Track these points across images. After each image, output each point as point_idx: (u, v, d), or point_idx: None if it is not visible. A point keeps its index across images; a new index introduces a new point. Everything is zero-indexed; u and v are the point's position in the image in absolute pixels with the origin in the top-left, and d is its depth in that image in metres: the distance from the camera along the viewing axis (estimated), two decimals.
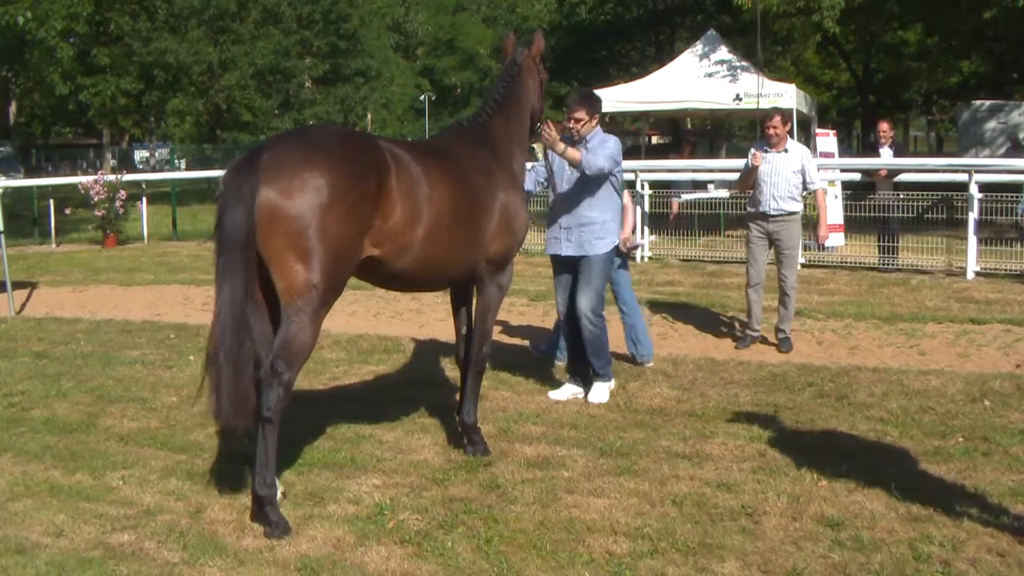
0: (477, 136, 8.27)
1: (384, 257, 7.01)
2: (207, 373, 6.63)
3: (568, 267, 9.99)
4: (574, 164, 9.34)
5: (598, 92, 26.48)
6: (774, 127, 12.07)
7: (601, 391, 9.78)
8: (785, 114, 12.52)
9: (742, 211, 13.06)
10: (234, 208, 6.34)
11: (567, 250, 9.85)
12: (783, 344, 12.18)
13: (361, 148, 6.93)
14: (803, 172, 12.04)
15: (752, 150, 12.43)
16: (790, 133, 12.40)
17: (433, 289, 8.55)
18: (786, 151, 12.09)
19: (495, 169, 8.08)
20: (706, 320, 13.98)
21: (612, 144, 9.61)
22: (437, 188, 7.27)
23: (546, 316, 14.50)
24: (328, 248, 6.45)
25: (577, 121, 9.63)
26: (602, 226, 9.71)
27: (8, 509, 7.20)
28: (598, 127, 9.80)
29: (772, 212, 12.05)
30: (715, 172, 22.63)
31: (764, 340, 12.57)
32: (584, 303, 9.74)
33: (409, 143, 8.18)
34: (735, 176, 14.37)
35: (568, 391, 10.01)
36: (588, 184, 9.60)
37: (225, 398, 6.52)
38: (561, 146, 9.14)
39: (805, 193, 12.40)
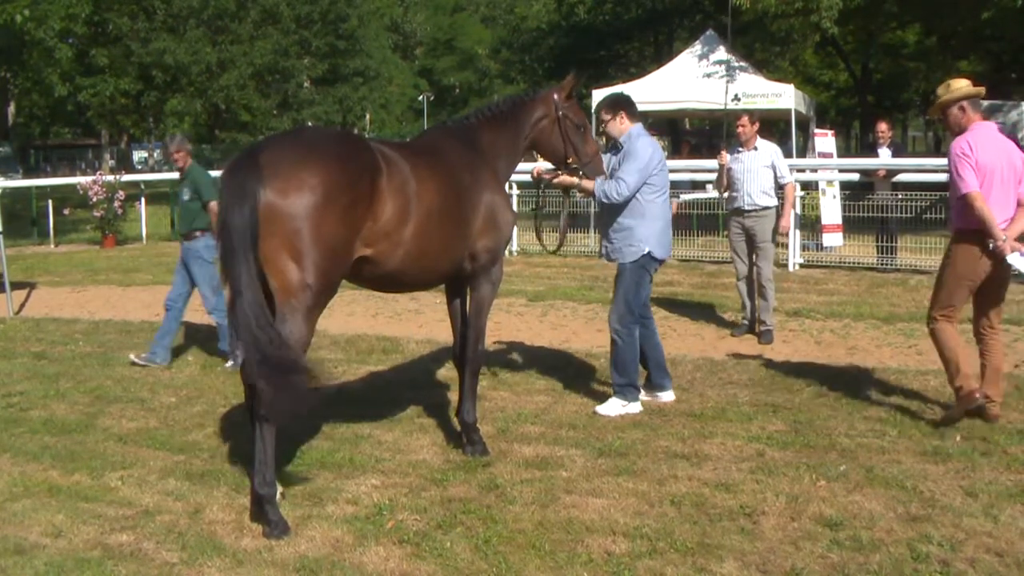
0: (464, 136, 8.28)
1: (376, 256, 7.05)
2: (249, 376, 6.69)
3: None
4: (591, 196, 9.28)
5: (599, 92, 26.36)
6: (742, 125, 12.74)
7: (613, 406, 9.44)
8: (753, 114, 13.14)
9: None
10: (240, 207, 6.36)
11: (605, 254, 9.67)
12: (763, 336, 12.59)
13: (355, 149, 7.01)
14: (773, 168, 12.62)
15: (721, 151, 13.15)
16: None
17: (424, 287, 8.54)
18: (756, 149, 12.71)
19: (480, 167, 8.10)
20: (704, 320, 13.99)
21: (640, 152, 9.23)
22: (425, 184, 7.34)
23: (544, 317, 14.50)
24: (322, 248, 6.51)
25: (602, 123, 9.57)
26: (630, 232, 9.34)
27: (7, 509, 7.21)
28: (634, 127, 9.45)
29: (747, 207, 12.66)
30: (714, 172, 22.64)
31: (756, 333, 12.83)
32: (612, 315, 9.53)
33: (397, 143, 8.20)
34: None
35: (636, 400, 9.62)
36: None
37: (274, 392, 6.49)
38: (572, 181, 9.08)
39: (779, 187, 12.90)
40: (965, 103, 8.88)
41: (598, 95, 28.27)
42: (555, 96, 8.70)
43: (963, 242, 8.73)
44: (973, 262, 8.61)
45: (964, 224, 8.72)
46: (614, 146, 9.59)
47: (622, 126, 9.44)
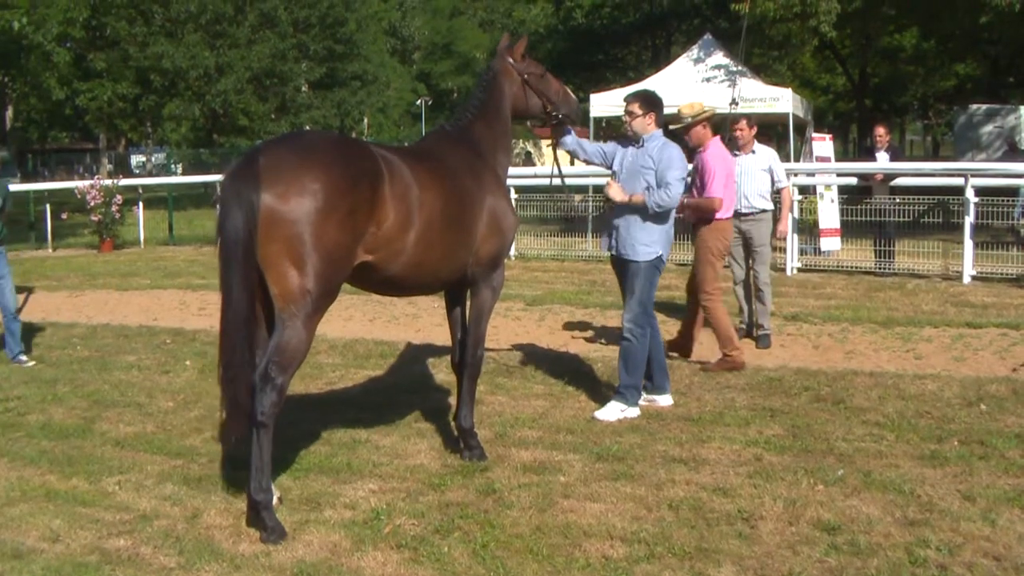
0: (461, 139, 8.29)
1: (377, 262, 7.02)
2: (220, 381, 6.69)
3: (619, 268, 9.76)
4: (640, 205, 9.32)
5: (597, 96, 26.39)
6: (740, 129, 12.84)
7: (612, 410, 9.44)
8: (751, 118, 13.31)
9: None
10: (235, 213, 6.35)
11: (608, 247, 9.72)
12: (761, 341, 12.61)
13: (356, 154, 6.95)
14: (771, 171, 12.73)
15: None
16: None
17: (426, 292, 8.55)
18: (754, 152, 12.79)
19: (482, 171, 8.10)
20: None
21: (677, 160, 9.32)
22: (427, 192, 7.29)
23: (542, 321, 14.49)
24: (323, 254, 6.47)
25: (629, 114, 9.52)
26: (646, 231, 9.38)
27: (4, 514, 7.20)
28: (658, 130, 9.53)
29: (744, 210, 12.58)
30: None
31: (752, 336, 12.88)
32: (626, 314, 9.53)
33: (399, 147, 8.19)
34: None
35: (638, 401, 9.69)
36: (638, 185, 9.39)
37: (226, 405, 6.60)
38: (624, 196, 9.34)
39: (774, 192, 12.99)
40: (707, 122, 11.21)
41: (596, 99, 28.33)
42: (511, 62, 8.76)
43: (714, 227, 11.22)
44: (723, 240, 11.41)
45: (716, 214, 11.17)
46: (630, 140, 9.63)
47: (648, 125, 9.47)
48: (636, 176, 9.40)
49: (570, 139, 9.60)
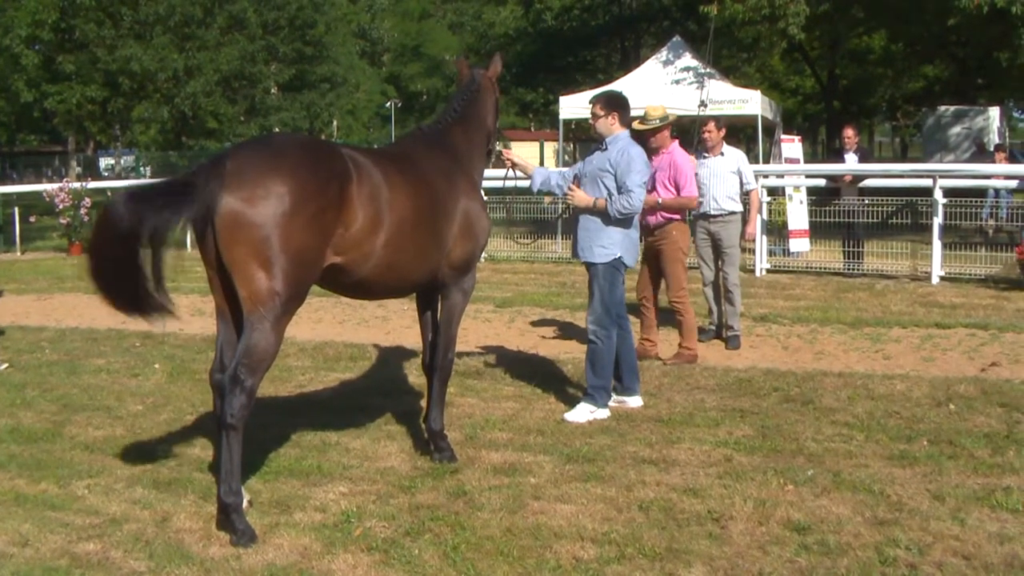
0: (438, 142, 8.31)
1: (347, 264, 7.01)
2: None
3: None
4: (602, 212, 9.37)
5: (567, 98, 26.37)
6: (709, 131, 12.88)
7: (581, 412, 9.44)
8: (720, 120, 13.40)
9: None
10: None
11: (575, 252, 9.76)
12: (731, 342, 12.68)
13: (324, 156, 6.93)
14: (739, 173, 12.79)
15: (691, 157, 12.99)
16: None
17: (398, 295, 8.53)
18: (722, 155, 12.85)
19: (456, 174, 8.11)
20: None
21: (638, 163, 9.32)
22: (399, 193, 7.27)
23: (512, 323, 14.49)
24: (290, 256, 6.45)
25: (593, 116, 9.61)
26: (604, 233, 9.41)
27: None
28: (622, 132, 9.53)
29: (713, 212, 12.72)
30: None
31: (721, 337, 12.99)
32: (590, 317, 9.57)
33: (370, 149, 8.19)
34: None
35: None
36: (598, 190, 9.43)
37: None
38: (587, 201, 9.41)
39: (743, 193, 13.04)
40: (670, 126, 11.59)
41: (566, 101, 28.35)
42: (492, 77, 8.97)
43: (683, 226, 11.62)
44: (688, 239, 11.78)
45: (679, 214, 11.59)
46: (595, 145, 9.75)
47: (612, 126, 9.49)
48: (595, 180, 9.43)
49: (539, 179, 9.84)
